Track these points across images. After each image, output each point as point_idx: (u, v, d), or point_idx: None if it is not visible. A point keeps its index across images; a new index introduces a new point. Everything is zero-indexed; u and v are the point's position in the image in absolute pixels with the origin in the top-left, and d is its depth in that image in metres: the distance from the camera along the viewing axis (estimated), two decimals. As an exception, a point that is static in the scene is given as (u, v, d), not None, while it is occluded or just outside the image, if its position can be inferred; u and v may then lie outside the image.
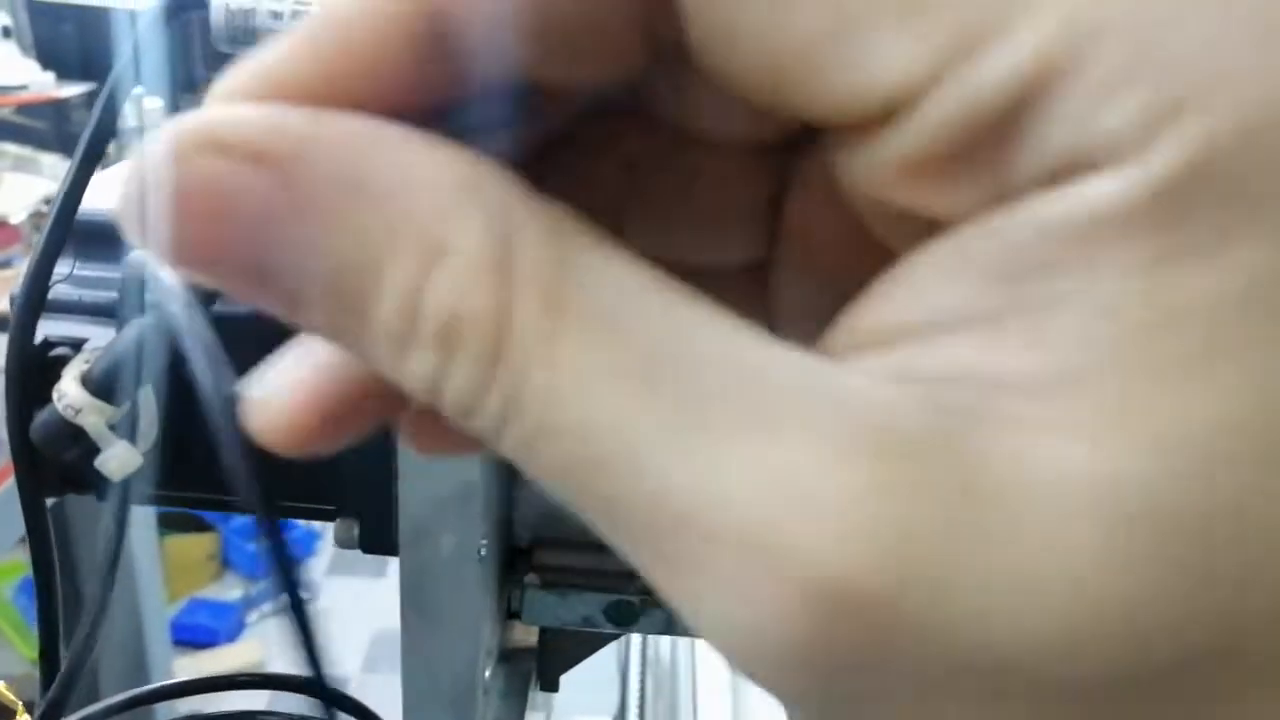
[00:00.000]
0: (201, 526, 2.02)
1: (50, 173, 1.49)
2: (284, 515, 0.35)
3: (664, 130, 0.15)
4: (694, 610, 0.11)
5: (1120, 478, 0.10)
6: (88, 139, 0.30)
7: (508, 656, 0.44)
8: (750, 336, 0.11)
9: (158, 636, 1.41)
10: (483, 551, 0.34)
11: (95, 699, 0.37)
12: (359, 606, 1.83)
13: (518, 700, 0.43)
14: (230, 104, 0.12)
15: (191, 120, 0.12)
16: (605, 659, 0.74)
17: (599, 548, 0.43)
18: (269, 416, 0.15)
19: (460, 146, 0.12)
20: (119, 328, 0.29)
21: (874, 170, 0.12)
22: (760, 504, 0.10)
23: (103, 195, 0.35)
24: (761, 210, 0.16)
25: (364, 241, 0.11)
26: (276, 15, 0.29)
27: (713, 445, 0.11)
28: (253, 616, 1.97)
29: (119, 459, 0.28)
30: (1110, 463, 0.10)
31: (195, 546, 2.01)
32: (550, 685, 0.46)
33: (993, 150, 0.11)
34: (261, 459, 0.27)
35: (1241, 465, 0.10)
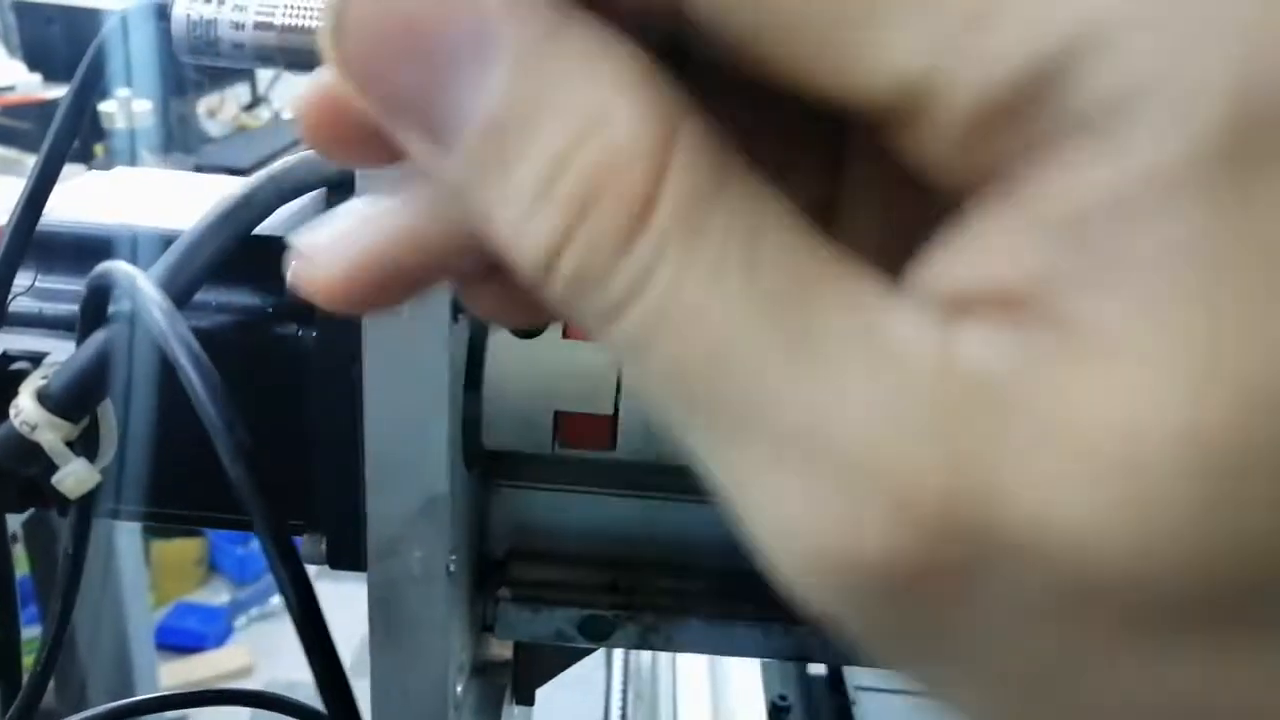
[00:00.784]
0: (189, 531, 2.01)
1: (37, 175, 1.48)
2: (249, 529, 0.35)
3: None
4: (774, 527, 0.12)
5: (1190, 421, 0.10)
6: (46, 151, 0.29)
7: (483, 670, 0.44)
8: (871, 284, 0.12)
9: (143, 641, 1.40)
10: (451, 567, 0.34)
11: (83, 704, 0.37)
12: (349, 610, 1.82)
13: (491, 714, 0.42)
14: None
15: None
16: (587, 671, 0.74)
17: (573, 561, 0.43)
18: (318, 267, 0.14)
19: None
20: (80, 342, 0.29)
21: (906, 145, 0.12)
22: (862, 435, 0.11)
23: (68, 206, 0.35)
24: (826, 150, 0.16)
25: (535, 96, 0.12)
26: (238, 26, 0.28)
27: (826, 379, 0.11)
28: (240, 620, 1.96)
29: (76, 477, 0.27)
30: (1183, 405, 0.10)
31: (183, 551, 2.00)
32: (526, 699, 0.46)
33: (1022, 115, 0.11)
34: (225, 476, 0.27)
35: None
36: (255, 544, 2.19)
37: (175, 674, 1.75)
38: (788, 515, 0.12)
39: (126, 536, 1.33)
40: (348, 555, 0.34)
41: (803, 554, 0.12)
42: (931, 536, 0.11)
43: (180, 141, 1.74)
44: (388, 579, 0.34)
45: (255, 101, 2.14)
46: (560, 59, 0.12)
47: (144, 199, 0.36)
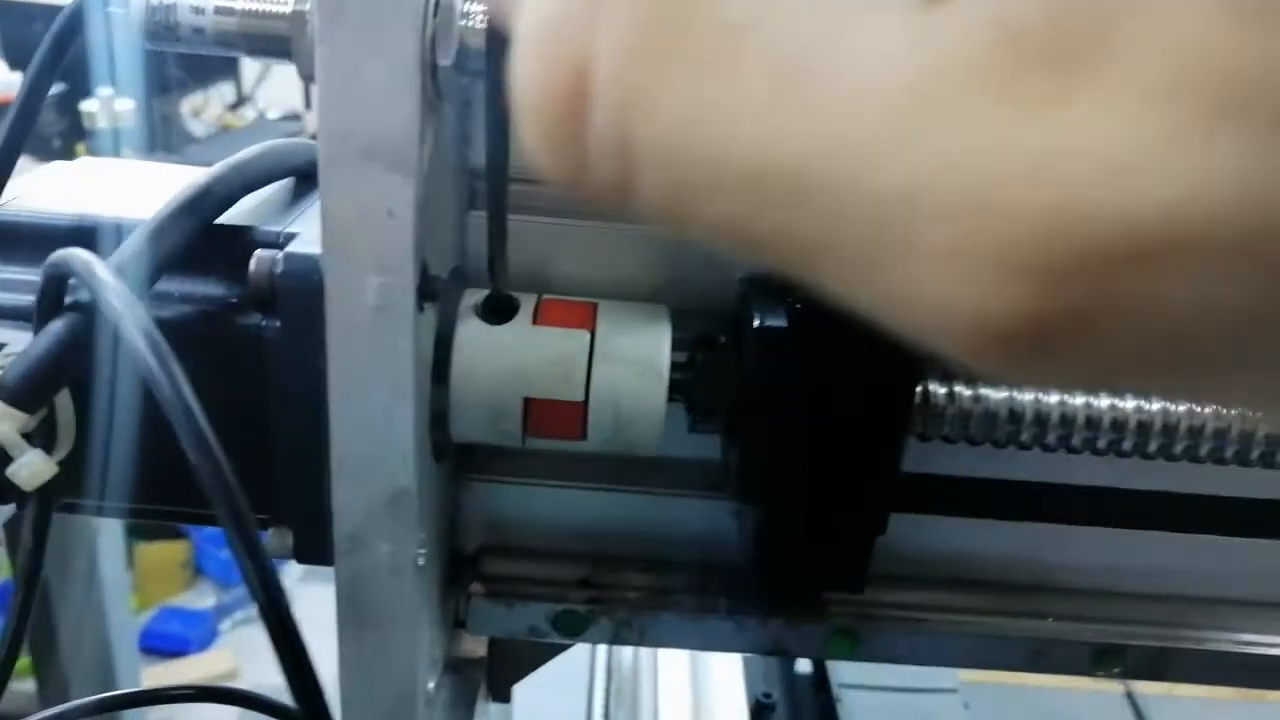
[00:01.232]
0: (174, 534, 2.00)
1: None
2: (214, 523, 0.34)
3: None
4: (908, 299, 0.11)
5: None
6: (5, 134, 0.29)
7: (456, 667, 0.44)
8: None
9: (126, 645, 1.39)
10: (420, 560, 0.33)
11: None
12: (333, 615, 1.81)
13: (465, 712, 0.42)
14: None
15: None
16: (569, 668, 0.74)
17: (545, 556, 0.43)
18: None
19: None
20: (36, 331, 0.28)
21: None
22: (970, 179, 0.10)
23: (29, 196, 0.35)
24: None
25: None
26: (198, 10, 0.28)
27: (926, 134, 0.10)
28: (226, 625, 1.95)
29: (31, 468, 0.27)
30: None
31: (168, 554, 1.99)
32: (501, 696, 0.46)
33: None
34: (191, 467, 0.26)
35: None
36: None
37: (159, 678, 1.73)
38: (938, 291, 0.11)
39: (109, 539, 1.32)
40: (314, 549, 0.34)
41: (966, 327, 0.11)
42: (1041, 284, 0.10)
43: (164, 141, 1.73)
44: (355, 573, 0.33)
45: (240, 101, 2.13)
46: None
47: (108, 189, 0.36)
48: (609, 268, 0.37)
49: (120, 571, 1.38)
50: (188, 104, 1.99)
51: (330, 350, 0.30)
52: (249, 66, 2.19)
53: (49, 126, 1.68)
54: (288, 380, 0.31)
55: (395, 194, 0.29)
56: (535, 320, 0.33)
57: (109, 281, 0.23)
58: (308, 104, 2.25)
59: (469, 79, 0.31)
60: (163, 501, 0.34)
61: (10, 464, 0.28)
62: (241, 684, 1.80)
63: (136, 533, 1.83)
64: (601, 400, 0.33)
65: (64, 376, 0.28)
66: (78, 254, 0.25)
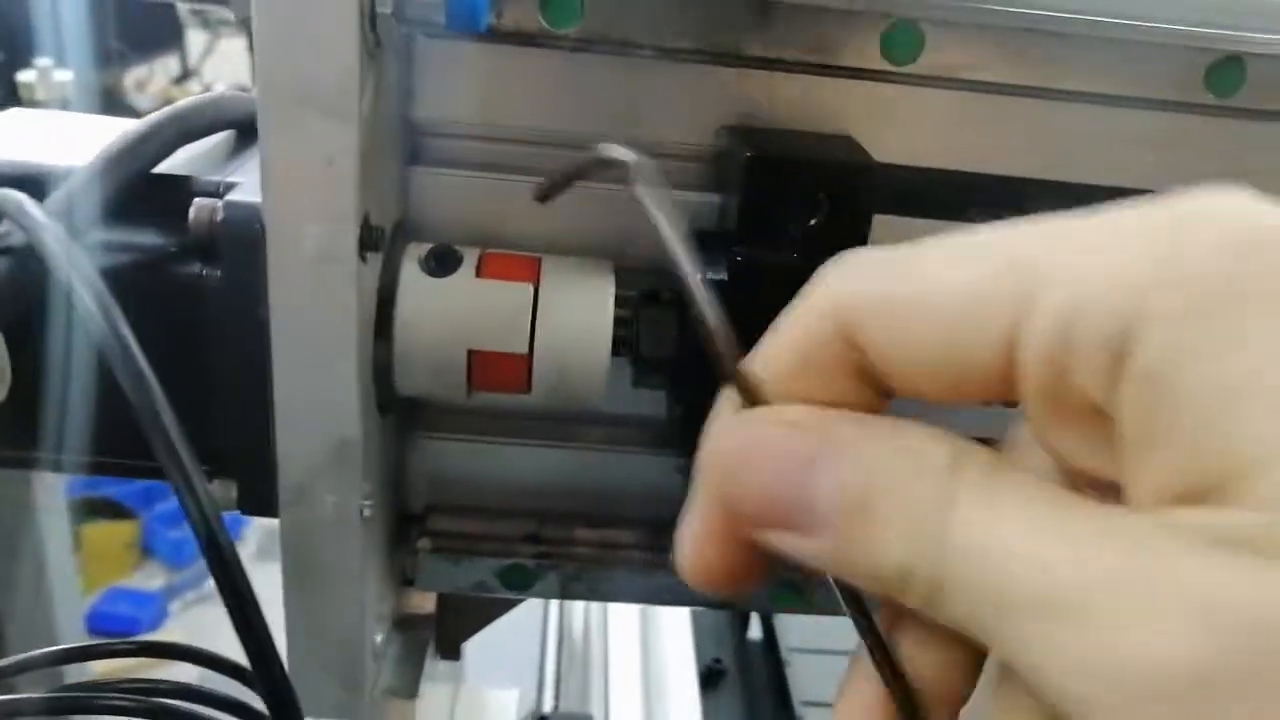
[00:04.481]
0: (122, 514, 1.96)
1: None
2: (156, 476, 0.34)
3: None
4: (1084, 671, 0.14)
5: None
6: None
7: (405, 624, 0.44)
8: (1120, 519, 0.15)
9: (72, 626, 1.37)
10: (366, 512, 0.34)
11: (9, 691, 0.36)
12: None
13: (413, 668, 0.42)
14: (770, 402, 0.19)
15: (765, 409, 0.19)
16: (520, 638, 0.74)
17: (492, 513, 0.43)
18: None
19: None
20: (-32, 278, 0.28)
21: None
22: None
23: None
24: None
25: (869, 475, 0.17)
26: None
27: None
28: (175, 605, 1.93)
29: (-37, 412, 0.27)
30: None
31: (115, 534, 1.95)
32: (450, 653, 0.46)
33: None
34: (129, 416, 0.26)
35: None
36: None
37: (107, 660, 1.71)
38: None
39: (54, 520, 1.30)
40: (258, 501, 0.33)
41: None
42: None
43: (106, 115, 1.69)
44: (300, 524, 0.33)
45: (186, 75, 2.09)
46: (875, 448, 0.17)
47: (40, 138, 0.35)
48: (555, 224, 0.37)
49: (66, 552, 1.36)
50: (131, 77, 1.94)
51: (272, 299, 0.30)
52: (195, 39, 2.14)
53: (-9, 97, 1.64)
54: (229, 330, 0.31)
55: (335, 141, 0.29)
56: (479, 273, 0.34)
57: (42, 220, 0.23)
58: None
59: (408, 28, 0.31)
60: (104, 453, 0.33)
61: (-57, 411, 0.27)
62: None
63: (82, 512, 1.80)
64: (545, 352, 0.33)
65: (-3, 320, 0.27)
66: (9, 194, 0.25)
